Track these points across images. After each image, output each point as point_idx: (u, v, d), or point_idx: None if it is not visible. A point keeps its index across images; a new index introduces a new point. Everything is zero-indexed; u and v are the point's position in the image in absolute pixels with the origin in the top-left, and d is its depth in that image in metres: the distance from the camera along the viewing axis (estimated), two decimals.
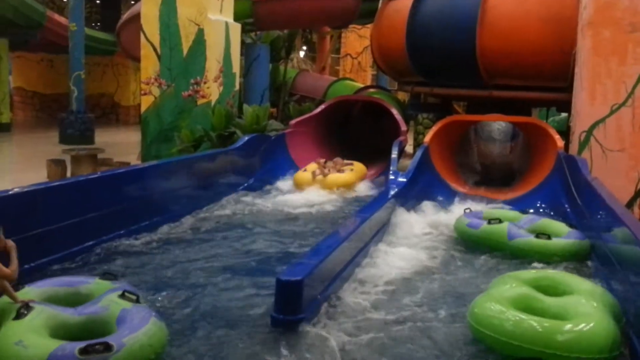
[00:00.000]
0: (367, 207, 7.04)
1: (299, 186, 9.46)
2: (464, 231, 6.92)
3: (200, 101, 11.14)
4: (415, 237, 6.92)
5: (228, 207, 8.41)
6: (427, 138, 9.92)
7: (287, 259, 5.99)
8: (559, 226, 6.68)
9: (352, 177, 9.80)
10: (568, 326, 3.60)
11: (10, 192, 5.44)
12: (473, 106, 12.88)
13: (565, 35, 10.06)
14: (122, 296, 4.01)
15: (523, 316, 3.75)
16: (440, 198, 9.01)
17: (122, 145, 16.84)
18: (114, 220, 6.49)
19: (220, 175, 9.09)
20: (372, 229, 6.45)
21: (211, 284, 5.27)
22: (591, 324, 3.61)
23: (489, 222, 6.69)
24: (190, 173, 8.29)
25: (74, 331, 3.69)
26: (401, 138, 10.55)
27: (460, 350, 4.10)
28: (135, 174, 7.31)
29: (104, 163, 12.14)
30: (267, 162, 10.38)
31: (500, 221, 6.71)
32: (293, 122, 11.39)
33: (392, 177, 8.59)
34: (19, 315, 3.56)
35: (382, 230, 6.89)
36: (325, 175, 9.44)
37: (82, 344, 3.33)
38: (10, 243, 3.90)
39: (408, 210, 7.90)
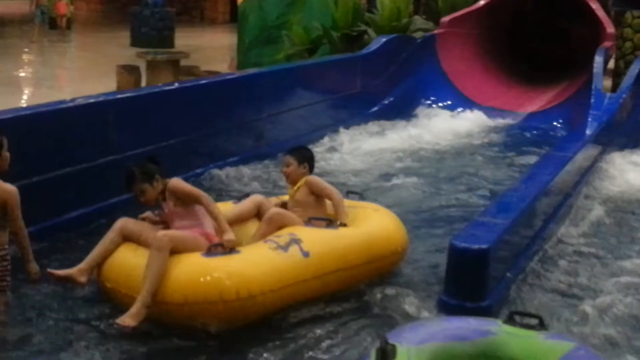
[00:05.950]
0: (563, 145, 6.63)
1: None
2: None
3: None
4: (633, 190, 6.59)
5: (348, 138, 8.15)
6: None
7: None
8: None
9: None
10: None
11: (68, 104, 5.49)
12: None
13: None
14: None
15: None
16: None
17: (209, 50, 17.00)
18: (205, 146, 6.50)
19: (343, 91, 8.87)
20: (572, 177, 6.09)
21: None
22: None
23: None
24: (303, 87, 8.20)
25: None
26: (607, 44, 9.78)
27: None
28: (230, 86, 7.31)
29: (188, 72, 12.19)
30: (410, 75, 10.09)
31: None
32: (446, 19, 10.89)
33: (595, 100, 7.99)
34: None
35: (585, 178, 6.52)
36: None
37: None
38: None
39: (621, 149, 7.55)
